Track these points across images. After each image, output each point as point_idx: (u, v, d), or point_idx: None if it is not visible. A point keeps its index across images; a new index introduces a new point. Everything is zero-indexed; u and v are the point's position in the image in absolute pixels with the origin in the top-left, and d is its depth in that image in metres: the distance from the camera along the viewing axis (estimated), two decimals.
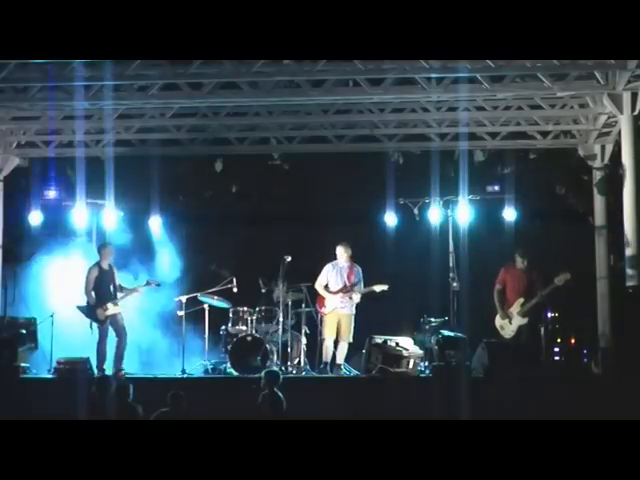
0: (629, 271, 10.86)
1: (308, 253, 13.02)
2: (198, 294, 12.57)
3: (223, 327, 12.59)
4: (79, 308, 12.03)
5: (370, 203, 14.10)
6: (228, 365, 12.03)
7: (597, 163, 13.23)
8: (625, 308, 11.42)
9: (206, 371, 12.30)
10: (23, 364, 11.78)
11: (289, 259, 12.38)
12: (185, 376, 11.81)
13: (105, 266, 12.14)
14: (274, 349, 12.10)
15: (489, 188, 13.88)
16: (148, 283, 12.24)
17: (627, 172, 10.94)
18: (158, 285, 12.37)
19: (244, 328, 12.29)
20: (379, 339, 12.22)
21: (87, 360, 11.66)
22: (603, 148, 13.13)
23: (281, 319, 12.30)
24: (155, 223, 14.26)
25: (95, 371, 11.62)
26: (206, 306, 12.57)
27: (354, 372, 12.32)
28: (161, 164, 14.03)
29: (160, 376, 11.67)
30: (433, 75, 10.83)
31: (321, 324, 12.47)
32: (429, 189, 13.79)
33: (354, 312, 12.45)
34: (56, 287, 13.42)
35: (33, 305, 13.36)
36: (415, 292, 13.79)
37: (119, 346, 11.92)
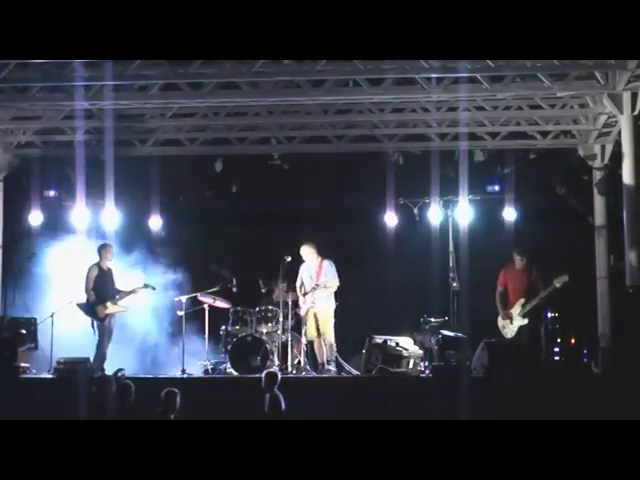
0: (629, 271, 10.87)
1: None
2: (197, 294, 12.56)
3: (223, 327, 12.59)
4: (79, 305, 12.03)
5: (370, 203, 14.10)
6: (228, 365, 12.03)
7: (597, 163, 13.24)
8: (625, 308, 11.41)
9: (206, 371, 12.30)
10: (23, 364, 11.79)
11: (289, 259, 12.39)
12: (185, 376, 11.80)
13: (105, 266, 12.15)
14: (274, 349, 12.10)
15: (489, 188, 13.89)
16: (145, 286, 12.23)
17: (627, 172, 10.95)
18: (154, 289, 12.36)
19: (244, 328, 12.29)
20: (379, 339, 12.21)
21: (87, 360, 11.66)
22: (603, 148, 13.14)
23: (281, 319, 12.30)
24: (155, 223, 14.26)
25: (96, 371, 11.62)
26: (206, 306, 12.57)
27: (347, 367, 12.25)
28: (161, 164, 14.04)
29: (160, 376, 11.67)
30: (433, 75, 10.84)
31: (305, 326, 12.44)
32: (429, 189, 13.79)
33: (332, 307, 12.32)
34: (56, 287, 13.41)
35: (33, 305, 13.35)
36: (415, 292, 13.79)
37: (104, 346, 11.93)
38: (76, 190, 13.88)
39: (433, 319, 12.50)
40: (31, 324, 12.68)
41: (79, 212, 13.84)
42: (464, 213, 13.51)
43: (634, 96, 10.93)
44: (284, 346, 12.27)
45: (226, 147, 13.72)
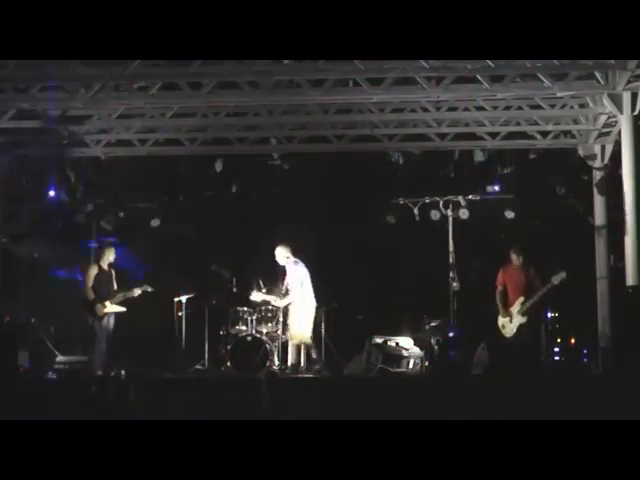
0: (629, 271, 10.87)
1: (308, 253, 13.01)
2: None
3: (223, 327, 12.59)
4: (79, 304, 12.04)
5: (370, 203, 14.10)
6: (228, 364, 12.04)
7: (597, 163, 13.25)
8: (625, 308, 11.41)
9: (207, 371, 12.30)
10: (23, 364, 11.79)
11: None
12: (185, 376, 11.80)
13: (105, 266, 12.15)
14: (274, 349, 12.10)
15: (489, 188, 13.89)
16: (143, 288, 12.21)
17: (627, 172, 10.95)
18: (152, 290, 12.34)
19: (244, 328, 12.29)
20: (379, 339, 12.21)
21: (87, 360, 11.66)
22: (603, 148, 13.15)
23: (281, 319, 12.30)
24: (155, 223, 14.26)
25: (96, 371, 11.63)
26: (206, 306, 12.58)
27: (316, 368, 12.15)
28: (161, 164, 14.04)
29: (160, 376, 11.66)
30: (433, 75, 10.84)
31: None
32: (429, 189, 13.80)
33: (297, 308, 12.21)
34: (56, 287, 13.42)
35: (33, 305, 13.36)
36: (415, 292, 13.79)
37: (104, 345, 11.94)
38: (76, 190, 13.91)
39: (433, 319, 12.50)
40: (31, 324, 12.69)
41: (79, 212, 13.86)
42: (464, 213, 13.52)
43: (634, 96, 10.93)
44: (284, 346, 12.28)
45: (226, 147, 13.73)
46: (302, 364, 12.22)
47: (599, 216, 13.31)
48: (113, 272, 12.27)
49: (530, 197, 13.86)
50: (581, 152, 13.39)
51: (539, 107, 12.37)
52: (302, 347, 12.19)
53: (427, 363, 11.97)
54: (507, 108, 12.59)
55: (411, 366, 11.94)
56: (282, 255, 12.38)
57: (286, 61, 10.36)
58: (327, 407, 9.82)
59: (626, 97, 10.93)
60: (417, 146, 13.73)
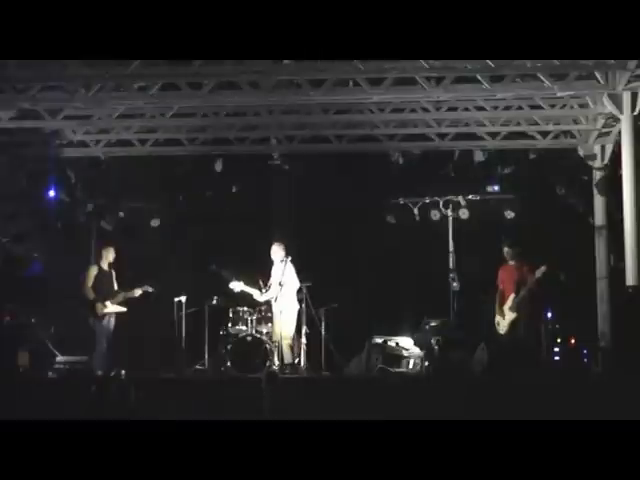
0: (629, 271, 10.87)
1: (308, 253, 13.02)
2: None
3: (223, 327, 12.58)
4: (77, 305, 12.04)
5: (370, 203, 14.10)
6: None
7: (597, 163, 13.25)
8: (625, 308, 11.41)
9: (207, 371, 12.30)
10: (23, 364, 11.79)
11: (289, 259, 12.40)
12: (185, 376, 11.80)
13: (105, 266, 12.16)
14: (274, 349, 12.09)
15: (489, 188, 13.90)
16: (144, 288, 12.21)
17: (627, 172, 10.95)
18: (153, 291, 12.34)
19: (244, 328, 12.28)
20: (379, 339, 12.21)
21: (87, 360, 11.66)
22: (603, 148, 13.15)
23: (276, 319, 12.29)
24: (155, 223, 14.26)
25: (96, 371, 11.63)
26: (206, 306, 12.58)
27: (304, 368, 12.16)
28: (161, 164, 14.04)
29: (160, 376, 11.66)
30: (433, 75, 10.83)
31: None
32: (429, 189, 13.80)
33: (281, 309, 12.24)
34: (56, 287, 13.42)
35: (33, 305, 13.35)
36: (415, 292, 13.79)
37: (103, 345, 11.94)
38: (76, 190, 13.91)
39: (433, 319, 12.50)
40: (31, 324, 12.69)
41: (79, 212, 13.85)
42: (464, 213, 13.53)
43: (634, 96, 10.93)
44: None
45: (226, 147, 13.73)
46: (302, 364, 12.23)
47: (599, 216, 13.32)
48: (114, 272, 12.28)
49: (530, 197, 13.85)
50: (581, 152, 13.39)
51: (539, 107, 12.36)
52: (287, 347, 12.22)
53: (427, 363, 11.96)
54: (507, 108, 12.59)
55: (411, 366, 11.94)
56: (276, 253, 12.47)
57: (286, 61, 10.35)
58: (327, 407, 9.82)
59: (626, 97, 10.93)
60: (417, 146, 13.73)
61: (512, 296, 11.88)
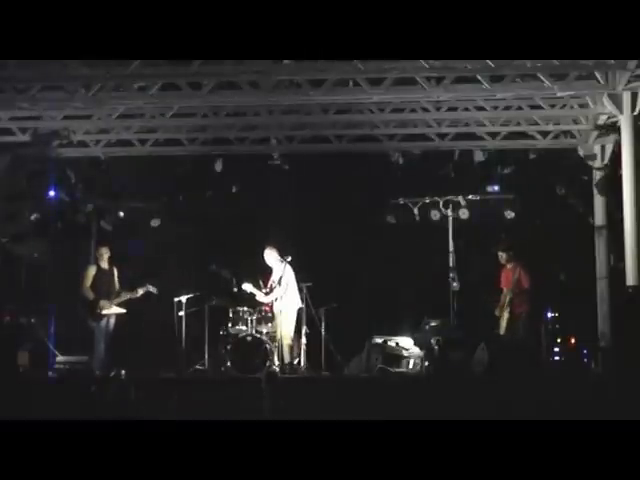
0: (629, 271, 10.87)
1: (308, 253, 13.02)
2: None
3: (223, 327, 12.58)
4: (77, 305, 12.04)
5: (370, 203, 14.09)
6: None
7: (597, 163, 13.25)
8: (625, 308, 11.42)
9: (207, 371, 12.30)
10: (23, 364, 11.79)
11: (289, 259, 12.40)
12: (185, 376, 11.80)
13: (104, 266, 12.15)
14: (274, 349, 12.09)
15: (489, 188, 13.90)
16: (146, 289, 12.20)
17: (627, 172, 10.95)
18: (155, 291, 12.34)
19: (244, 328, 12.28)
20: (379, 339, 12.21)
21: (87, 360, 11.66)
22: (603, 148, 13.14)
23: (277, 319, 12.29)
24: (155, 223, 14.25)
25: (95, 371, 11.63)
26: (206, 306, 12.58)
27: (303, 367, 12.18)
28: (161, 164, 14.04)
29: (160, 376, 11.67)
30: (433, 75, 10.83)
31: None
32: (429, 189, 13.80)
33: (281, 309, 12.31)
34: (56, 286, 13.42)
35: (33, 305, 13.36)
36: (415, 292, 13.79)
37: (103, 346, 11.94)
38: (76, 190, 13.90)
39: (433, 319, 12.51)
40: (31, 324, 12.69)
41: (79, 212, 13.85)
42: (464, 213, 13.53)
43: (634, 96, 10.94)
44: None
45: (226, 147, 13.74)
46: (302, 364, 12.23)
47: (599, 216, 13.32)
48: (115, 271, 12.26)
49: (530, 197, 13.85)
50: (581, 152, 13.39)
51: (539, 107, 12.37)
52: (287, 347, 12.23)
53: (427, 363, 11.96)
54: (507, 108, 12.59)
55: (411, 366, 11.95)
56: (270, 256, 12.52)
57: (286, 61, 10.35)
58: (327, 407, 9.82)
59: (626, 97, 10.94)
60: (417, 146, 13.73)
61: (509, 296, 12.05)
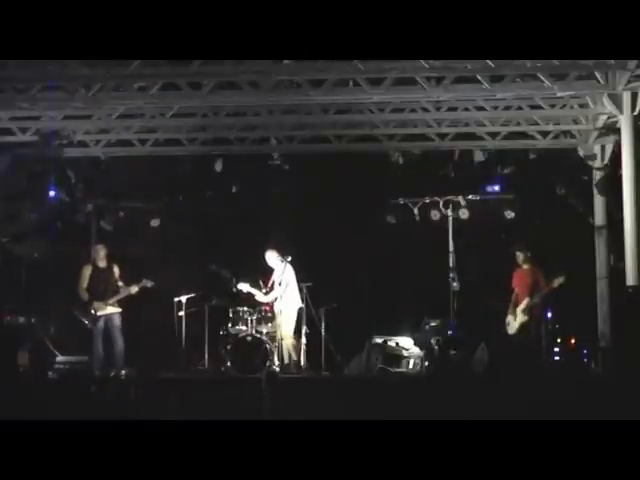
0: (629, 271, 10.87)
1: (308, 253, 13.02)
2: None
3: (223, 327, 12.58)
4: (73, 305, 12.04)
5: (370, 203, 14.09)
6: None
7: (597, 163, 13.25)
8: (625, 308, 11.42)
9: (207, 371, 12.30)
10: (23, 364, 11.78)
11: (289, 259, 12.40)
12: (185, 376, 11.80)
13: (101, 265, 12.12)
14: (274, 349, 12.09)
15: (489, 188, 13.90)
16: (142, 283, 12.18)
17: (627, 172, 10.95)
18: (152, 285, 12.30)
19: (244, 328, 12.28)
20: (379, 339, 12.21)
21: (87, 360, 11.66)
22: (603, 148, 13.15)
23: (277, 319, 12.29)
24: (155, 223, 14.26)
25: (95, 371, 11.63)
26: (206, 306, 12.58)
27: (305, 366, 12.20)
28: (161, 164, 14.04)
29: (160, 376, 11.66)
30: (433, 75, 10.83)
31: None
32: (429, 189, 13.80)
33: (281, 309, 12.32)
34: (56, 286, 13.41)
35: (33, 305, 13.35)
36: (415, 292, 13.79)
37: (115, 348, 11.92)
38: (76, 190, 13.91)
39: (433, 319, 12.51)
40: (31, 324, 12.68)
41: (79, 212, 13.86)
42: (464, 213, 13.53)
43: (634, 96, 10.94)
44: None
45: (226, 147, 13.74)
46: (302, 364, 12.24)
47: (599, 216, 13.32)
48: (116, 269, 12.22)
49: (530, 197, 13.85)
50: (581, 152, 13.39)
51: (539, 107, 12.37)
52: (287, 347, 12.23)
53: (427, 363, 11.97)
54: (507, 108, 12.60)
55: (411, 366, 11.95)
56: (271, 257, 12.52)
57: (286, 61, 10.35)
58: (327, 407, 9.81)
59: (626, 97, 10.94)
60: (417, 146, 13.73)
61: (526, 300, 12.00)
